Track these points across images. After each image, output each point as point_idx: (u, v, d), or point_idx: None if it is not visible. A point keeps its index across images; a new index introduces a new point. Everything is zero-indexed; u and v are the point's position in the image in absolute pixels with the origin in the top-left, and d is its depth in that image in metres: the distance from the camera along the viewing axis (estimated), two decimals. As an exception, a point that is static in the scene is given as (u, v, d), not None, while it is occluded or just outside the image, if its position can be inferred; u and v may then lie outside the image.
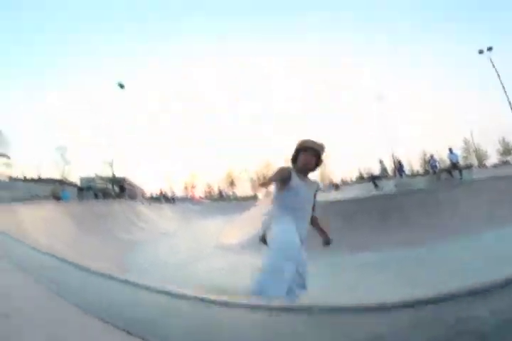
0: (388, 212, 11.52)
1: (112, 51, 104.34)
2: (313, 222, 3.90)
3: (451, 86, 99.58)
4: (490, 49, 31.01)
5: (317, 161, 3.59)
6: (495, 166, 32.29)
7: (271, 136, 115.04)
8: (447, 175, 15.01)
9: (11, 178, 37.17)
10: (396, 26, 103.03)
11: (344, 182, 35.30)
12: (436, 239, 9.26)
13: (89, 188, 34.22)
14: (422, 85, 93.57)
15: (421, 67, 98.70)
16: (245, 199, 49.18)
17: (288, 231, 3.34)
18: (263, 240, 3.54)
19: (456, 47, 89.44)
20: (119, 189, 35.57)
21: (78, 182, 44.66)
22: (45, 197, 19.56)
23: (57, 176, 45.53)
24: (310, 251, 9.96)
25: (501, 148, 62.96)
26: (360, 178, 32.36)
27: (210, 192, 73.49)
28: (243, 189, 72.82)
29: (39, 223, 10.73)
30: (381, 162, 18.80)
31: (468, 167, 18.14)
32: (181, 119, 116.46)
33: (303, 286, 3.38)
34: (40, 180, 41.29)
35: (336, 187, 27.20)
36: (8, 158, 40.29)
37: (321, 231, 3.96)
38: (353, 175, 63.81)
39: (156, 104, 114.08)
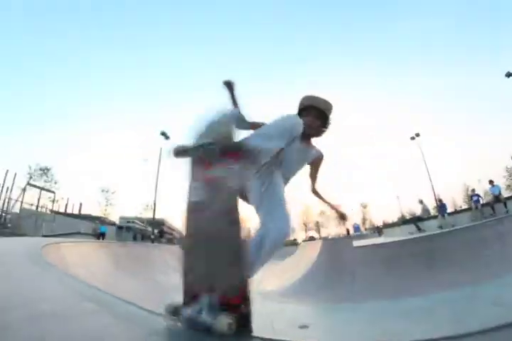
0: (431, 253, 11.21)
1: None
2: (316, 193, 3.55)
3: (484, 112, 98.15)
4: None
5: (323, 123, 3.11)
6: None
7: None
8: (491, 210, 14.52)
9: (52, 211, 39.04)
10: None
11: (386, 225, 34.32)
12: (481, 278, 8.80)
13: (128, 228, 34.72)
14: (457, 117, 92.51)
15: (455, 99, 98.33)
16: (286, 244, 48.50)
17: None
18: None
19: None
20: (158, 232, 36.03)
21: (117, 222, 45.58)
22: (86, 234, 20.04)
23: (97, 214, 46.66)
24: (351, 297, 9.73)
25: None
26: (403, 221, 31.38)
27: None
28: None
29: (79, 259, 10.73)
30: (421, 202, 18.34)
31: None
32: None
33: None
34: (80, 216, 42.95)
35: (380, 231, 26.34)
36: (54, 193, 42.51)
37: (329, 204, 3.54)
38: (395, 217, 62.52)
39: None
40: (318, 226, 74.28)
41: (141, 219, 45.47)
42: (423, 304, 8.17)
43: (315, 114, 3.06)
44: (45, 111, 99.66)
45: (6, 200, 34.51)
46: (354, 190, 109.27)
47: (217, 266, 2.29)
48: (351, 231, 47.26)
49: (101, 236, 23.10)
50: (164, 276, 15.58)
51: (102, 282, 9.99)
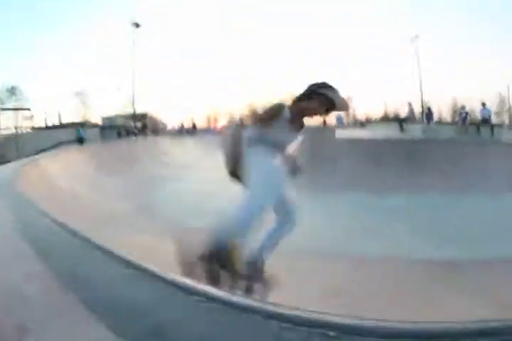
0: (415, 156, 11.49)
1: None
2: None
3: (493, 34, 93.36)
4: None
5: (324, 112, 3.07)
6: None
7: (296, 67, 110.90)
8: (476, 131, 14.55)
9: (33, 128, 38.31)
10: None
11: (368, 120, 34.47)
12: (460, 189, 9.30)
13: (111, 127, 34.21)
14: (462, 31, 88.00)
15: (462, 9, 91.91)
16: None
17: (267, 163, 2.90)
18: (234, 175, 3.04)
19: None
20: (141, 125, 35.70)
21: (100, 123, 44.84)
22: (69, 142, 19.64)
23: (78, 120, 45.50)
24: (333, 187, 9.76)
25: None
26: (386, 119, 31.47)
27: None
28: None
29: (61, 168, 10.70)
30: (410, 105, 18.35)
31: (500, 125, 17.30)
32: (202, 51, 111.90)
33: (292, 222, 3.01)
34: (62, 126, 42.10)
35: (362, 125, 26.51)
36: (29, 110, 41.57)
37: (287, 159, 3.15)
38: (378, 114, 62.74)
39: (175, 38, 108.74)
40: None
41: (123, 116, 44.17)
42: (405, 203, 8.74)
43: (326, 106, 2.95)
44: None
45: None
46: (341, 81, 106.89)
47: None
48: (334, 122, 47.65)
49: (80, 141, 21.39)
50: (148, 169, 15.72)
51: (85, 186, 10.08)
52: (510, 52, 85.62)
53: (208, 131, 39.67)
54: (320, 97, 2.91)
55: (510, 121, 51.78)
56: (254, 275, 2.73)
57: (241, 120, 3.07)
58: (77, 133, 21.22)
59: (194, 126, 41.22)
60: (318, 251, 5.41)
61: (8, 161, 12.60)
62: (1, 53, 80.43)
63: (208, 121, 60.06)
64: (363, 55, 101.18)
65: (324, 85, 2.97)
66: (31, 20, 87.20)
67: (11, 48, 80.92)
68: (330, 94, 2.90)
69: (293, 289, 3.56)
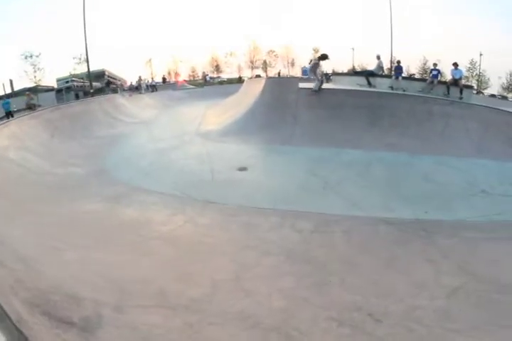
0: (378, 111, 11.17)
1: None
2: None
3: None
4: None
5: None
6: (491, 96, 31.09)
7: (259, 18, 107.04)
8: (445, 90, 14.20)
9: None
10: None
11: (335, 73, 33.83)
12: (419, 149, 9.21)
13: (68, 89, 32.09)
14: None
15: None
16: (230, 82, 47.98)
17: None
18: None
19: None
20: (105, 83, 33.88)
21: (56, 86, 42.04)
22: (19, 111, 17.76)
23: (31, 85, 42.53)
24: (292, 140, 9.56)
25: (506, 83, 60.67)
26: (353, 72, 30.90)
27: (193, 77, 70.67)
28: (229, 73, 70.08)
29: (12, 139, 9.86)
30: (379, 58, 17.55)
31: (469, 87, 16.98)
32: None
33: None
34: (14, 94, 39.78)
35: (328, 78, 25.77)
36: None
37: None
38: (345, 67, 61.85)
39: None
40: (265, 65, 72.49)
41: (79, 76, 41.39)
42: (362, 159, 8.49)
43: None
44: None
45: None
46: (308, 33, 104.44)
47: None
48: (299, 74, 46.73)
49: (8, 115, 18.12)
50: (105, 129, 14.97)
51: (39, 156, 9.41)
52: (485, 20, 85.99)
53: (168, 85, 38.21)
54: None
55: (477, 86, 53.01)
56: None
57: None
58: (4, 106, 18.62)
59: (164, 80, 39.66)
60: (274, 208, 5.35)
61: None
62: None
63: (169, 74, 57.91)
64: (334, 6, 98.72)
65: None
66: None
67: None
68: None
69: (246, 248, 3.65)
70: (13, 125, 11.28)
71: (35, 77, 45.23)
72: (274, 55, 73.20)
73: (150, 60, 69.91)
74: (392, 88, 15.17)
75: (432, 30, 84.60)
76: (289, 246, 3.82)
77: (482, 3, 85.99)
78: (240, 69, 71.50)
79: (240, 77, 56.14)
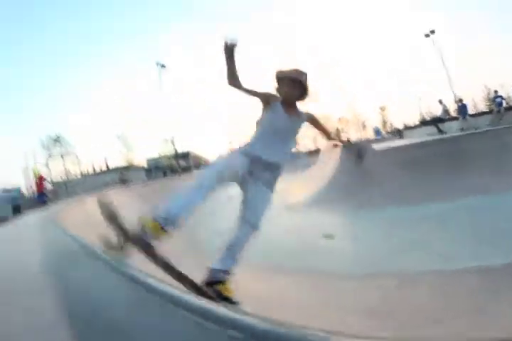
0: (454, 156, 11.00)
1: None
2: (331, 139, 3.91)
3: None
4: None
5: (301, 90, 3.21)
6: None
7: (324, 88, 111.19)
8: None
9: (82, 174, 41.79)
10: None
11: (407, 127, 33.62)
12: (507, 188, 8.61)
13: (157, 168, 35.69)
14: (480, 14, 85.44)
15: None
16: (309, 154, 49.23)
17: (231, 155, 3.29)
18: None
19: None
20: (185, 164, 37.42)
21: (146, 165, 47.11)
22: (114, 184, 20.44)
23: (124, 164, 48.34)
24: (373, 203, 9.62)
25: None
26: (423, 122, 30.56)
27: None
28: (305, 144, 72.17)
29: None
30: (441, 102, 17.58)
31: None
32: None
33: (251, 223, 3.15)
34: (108, 170, 45.45)
35: (400, 134, 25.57)
36: (76, 157, 45.79)
37: (343, 142, 3.86)
38: (415, 119, 61.13)
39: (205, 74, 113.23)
40: (338, 133, 73.76)
41: (167, 156, 46.18)
42: (445, 209, 8.30)
43: (288, 84, 3.16)
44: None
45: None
46: (371, 93, 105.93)
47: None
48: (372, 135, 46.96)
49: (15, 210, 20.18)
50: None
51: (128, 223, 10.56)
52: None
53: None
54: (283, 81, 3.17)
55: None
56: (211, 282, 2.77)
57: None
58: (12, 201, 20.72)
59: None
60: (359, 272, 5.27)
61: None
62: (45, 104, 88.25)
63: None
64: (385, 63, 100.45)
65: (276, 72, 3.22)
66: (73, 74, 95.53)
67: (54, 99, 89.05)
68: (282, 74, 3.18)
69: (335, 310, 3.59)
70: (109, 195, 12.82)
71: (127, 156, 50.25)
72: (345, 122, 74.62)
73: (230, 142, 74.50)
74: (462, 129, 14.99)
75: (485, 57, 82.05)
76: (371, 306, 3.73)
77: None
78: (315, 140, 73.50)
79: (317, 148, 57.42)
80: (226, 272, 2.84)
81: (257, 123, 3.21)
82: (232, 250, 2.96)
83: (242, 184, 3.18)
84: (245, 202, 3.17)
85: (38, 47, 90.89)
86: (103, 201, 2.85)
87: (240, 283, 2.91)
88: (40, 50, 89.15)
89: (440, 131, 16.16)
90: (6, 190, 26.15)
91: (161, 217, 2.62)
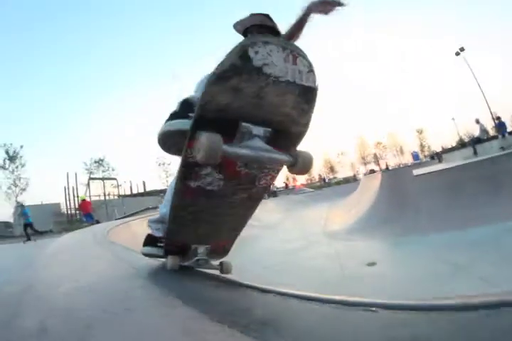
0: (497, 177, 10.70)
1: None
2: None
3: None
4: None
5: None
6: None
7: (360, 114, 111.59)
8: None
9: (119, 195, 43.73)
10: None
11: (445, 150, 33.11)
12: None
13: None
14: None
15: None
16: (346, 181, 49.21)
17: None
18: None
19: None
20: None
21: None
22: (154, 209, 20.81)
23: (161, 187, 50.57)
24: (416, 229, 9.55)
25: None
26: (461, 144, 29.99)
27: (310, 180, 73.85)
28: (343, 172, 72.32)
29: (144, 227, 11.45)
30: (478, 121, 17.22)
31: None
32: None
33: None
34: (145, 193, 47.06)
35: (439, 157, 25.14)
36: (115, 180, 48.45)
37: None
38: (453, 141, 60.06)
39: None
40: (376, 158, 73.18)
41: None
42: (491, 233, 8.06)
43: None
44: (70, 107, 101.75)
45: (75, 199, 41.66)
46: (407, 117, 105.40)
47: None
48: (411, 160, 46.29)
49: (27, 227, 20.60)
50: None
51: None
52: None
53: (287, 190, 40.12)
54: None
55: None
56: None
57: None
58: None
59: (286, 186, 41.89)
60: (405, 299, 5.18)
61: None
62: (91, 130, 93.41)
63: (287, 179, 60.96)
64: (419, 85, 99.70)
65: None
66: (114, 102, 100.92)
67: (99, 125, 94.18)
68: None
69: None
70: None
71: (167, 181, 51.80)
72: (382, 147, 74.16)
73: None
74: (503, 148, 14.72)
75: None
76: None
77: None
78: (353, 166, 73.26)
79: (355, 175, 57.22)
80: None
81: None
82: None
83: None
84: None
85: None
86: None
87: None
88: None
89: (476, 154, 15.91)
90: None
91: None
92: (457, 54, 38.73)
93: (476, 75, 36.86)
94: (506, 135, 15.73)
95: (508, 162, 11.20)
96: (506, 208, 9.16)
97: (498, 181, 10.57)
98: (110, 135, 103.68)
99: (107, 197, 44.26)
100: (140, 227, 11.69)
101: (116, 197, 45.61)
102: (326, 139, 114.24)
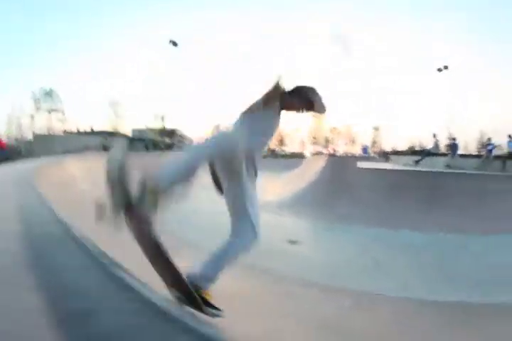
0: (434, 191, 11.20)
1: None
2: None
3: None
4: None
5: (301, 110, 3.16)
6: None
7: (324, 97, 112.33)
8: (501, 164, 14.19)
9: (65, 132, 41.56)
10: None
11: (395, 152, 34.20)
12: (477, 230, 8.98)
13: (140, 140, 35.29)
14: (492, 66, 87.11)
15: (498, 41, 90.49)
16: (292, 156, 49.70)
17: None
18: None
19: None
20: (169, 140, 37.02)
21: (130, 134, 46.84)
22: (96, 149, 20.09)
23: (109, 129, 48.47)
24: (348, 218, 9.64)
25: None
26: (412, 151, 31.03)
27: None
28: (292, 147, 72.82)
29: (83, 172, 11.18)
30: (435, 136, 17.91)
31: None
32: (231, 72, 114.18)
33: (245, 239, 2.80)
34: (92, 133, 45.02)
35: (387, 157, 25.92)
36: (63, 113, 46.17)
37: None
38: (404, 146, 61.93)
39: (207, 57, 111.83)
40: (327, 142, 74.25)
41: (152, 130, 45.95)
42: (417, 240, 8.46)
43: (305, 105, 3.05)
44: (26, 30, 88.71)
45: (18, 129, 40.48)
46: (369, 112, 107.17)
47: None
48: (359, 152, 47.28)
49: None
50: None
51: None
52: None
53: None
54: (301, 95, 3.03)
55: None
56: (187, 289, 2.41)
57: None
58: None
59: None
60: (324, 284, 5.17)
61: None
62: (43, 57, 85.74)
63: None
64: (391, 86, 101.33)
65: (308, 87, 3.08)
66: (75, 29, 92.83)
67: (53, 53, 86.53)
68: (310, 93, 3.04)
69: (288, 318, 3.47)
70: (88, 160, 13.15)
71: (115, 123, 49.88)
72: (337, 133, 75.09)
73: (218, 125, 74.52)
74: (449, 166, 15.27)
75: (487, 102, 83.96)
76: (325, 318, 3.66)
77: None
78: (302, 144, 73.91)
79: (302, 153, 57.87)
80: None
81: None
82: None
83: None
84: None
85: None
86: (114, 158, 2.52)
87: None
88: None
89: (417, 163, 16.67)
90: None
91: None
92: (439, 70, 39.32)
93: (449, 95, 37.99)
94: (456, 155, 16.42)
95: (448, 179, 11.71)
96: (436, 220, 9.62)
97: (432, 194, 11.09)
98: (64, 66, 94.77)
99: (53, 133, 41.94)
100: (73, 167, 11.24)
101: (60, 133, 43.30)
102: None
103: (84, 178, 10.72)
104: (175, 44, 34.64)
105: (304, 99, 3.04)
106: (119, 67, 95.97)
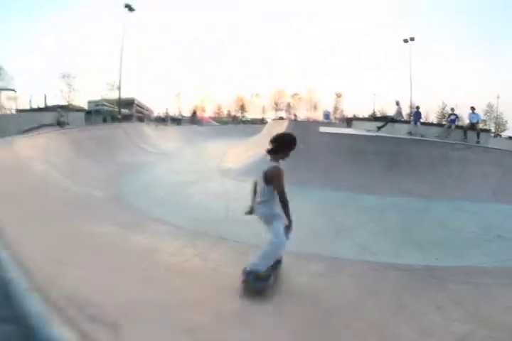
0: (395, 156, 11.31)
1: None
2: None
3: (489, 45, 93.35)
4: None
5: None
6: (509, 138, 30.63)
7: (286, 62, 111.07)
8: (462, 135, 14.49)
9: (17, 110, 39.37)
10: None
11: (356, 118, 34.33)
12: (435, 195, 9.31)
13: (97, 112, 33.66)
14: (459, 40, 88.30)
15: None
16: (253, 122, 49.26)
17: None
18: (250, 213, 4.09)
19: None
20: (128, 110, 35.67)
21: (86, 107, 44.46)
22: (51, 125, 18.89)
23: (63, 103, 46.00)
24: (310, 182, 9.58)
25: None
26: (374, 118, 31.20)
27: (219, 114, 72.75)
28: (253, 113, 72.15)
29: (37, 152, 10.39)
30: (398, 103, 17.93)
31: (486, 131, 17.27)
32: (193, 39, 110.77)
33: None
34: (46, 109, 42.46)
35: (349, 123, 25.95)
36: (14, 91, 42.01)
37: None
38: (366, 113, 62.49)
39: (167, 25, 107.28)
40: (289, 108, 74.00)
41: (109, 101, 43.81)
42: (377, 204, 8.53)
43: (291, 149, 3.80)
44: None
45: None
46: (332, 79, 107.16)
47: None
48: (321, 118, 47.45)
49: None
50: (126, 155, 15.58)
51: (61, 172, 9.81)
52: (501, 64, 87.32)
53: (193, 120, 39.20)
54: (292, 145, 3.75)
55: (496, 130, 53.10)
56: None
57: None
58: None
59: (194, 115, 40.83)
60: (286, 248, 5.08)
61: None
62: None
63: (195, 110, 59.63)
64: (357, 54, 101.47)
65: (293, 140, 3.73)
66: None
67: None
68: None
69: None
70: (42, 138, 11.94)
71: (69, 96, 47.68)
72: (298, 98, 74.83)
73: (179, 94, 72.64)
74: (410, 133, 15.46)
75: (451, 75, 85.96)
76: (295, 287, 3.81)
77: (496, 45, 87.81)
78: (264, 110, 73.36)
79: (263, 118, 57.45)
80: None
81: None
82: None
83: None
84: None
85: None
86: None
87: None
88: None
89: (379, 129, 16.92)
90: None
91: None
92: (405, 41, 39.58)
93: (412, 66, 38.31)
94: (418, 123, 16.60)
95: (409, 146, 11.89)
96: (396, 185, 9.74)
97: (393, 160, 11.21)
98: (12, 38, 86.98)
99: (3, 112, 39.21)
100: (28, 146, 10.38)
101: (12, 112, 40.60)
102: (243, 76, 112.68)
103: (37, 158, 9.96)
104: (131, 9, 32.67)
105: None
106: (70, 37, 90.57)
